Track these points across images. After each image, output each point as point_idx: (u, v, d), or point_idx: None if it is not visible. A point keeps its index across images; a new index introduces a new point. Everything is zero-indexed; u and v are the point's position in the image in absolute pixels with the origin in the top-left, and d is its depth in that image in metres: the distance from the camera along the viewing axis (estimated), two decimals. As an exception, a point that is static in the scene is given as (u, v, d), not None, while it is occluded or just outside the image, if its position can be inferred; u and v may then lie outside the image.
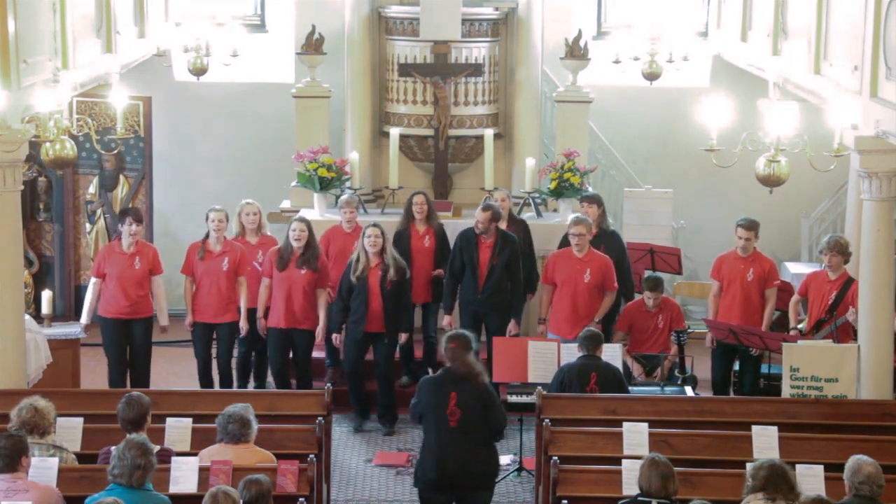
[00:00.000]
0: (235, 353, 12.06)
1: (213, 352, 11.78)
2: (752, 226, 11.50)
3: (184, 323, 11.64)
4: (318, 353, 12.13)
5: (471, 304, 11.63)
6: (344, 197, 12.53)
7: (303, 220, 11.53)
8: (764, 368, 11.66)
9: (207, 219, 11.55)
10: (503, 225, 11.99)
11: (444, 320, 11.79)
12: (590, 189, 13.45)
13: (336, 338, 11.54)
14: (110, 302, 11.27)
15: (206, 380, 11.72)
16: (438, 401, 8.37)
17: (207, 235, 11.55)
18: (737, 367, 11.84)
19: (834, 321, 10.93)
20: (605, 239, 12.03)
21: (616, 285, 11.55)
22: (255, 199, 12.27)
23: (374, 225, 11.36)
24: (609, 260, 11.54)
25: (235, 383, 11.92)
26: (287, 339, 11.46)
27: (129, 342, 11.37)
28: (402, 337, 11.53)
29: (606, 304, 11.55)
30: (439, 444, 8.38)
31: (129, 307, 11.26)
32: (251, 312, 11.59)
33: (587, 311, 11.41)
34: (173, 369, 13.07)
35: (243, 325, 11.53)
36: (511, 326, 11.65)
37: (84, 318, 11.43)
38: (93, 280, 11.40)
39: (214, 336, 11.67)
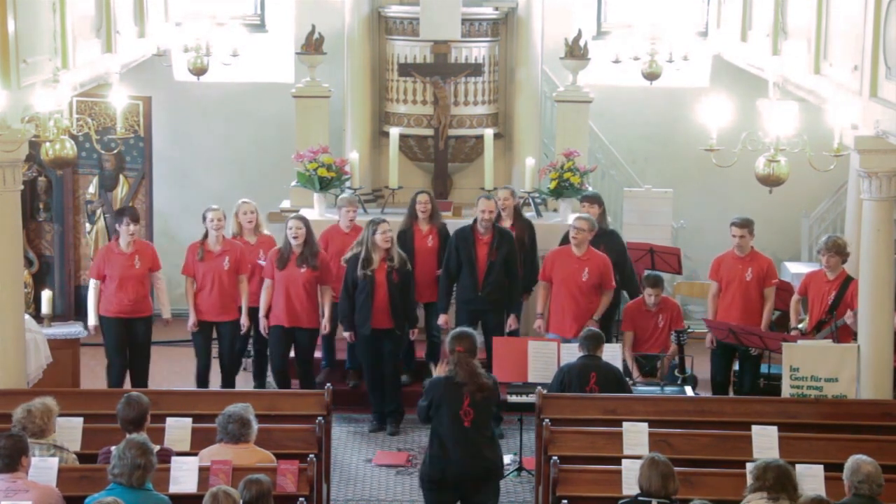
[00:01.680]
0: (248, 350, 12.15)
1: (214, 351, 11.79)
2: (745, 223, 11.50)
3: (186, 324, 11.63)
4: (316, 354, 12.14)
5: (469, 303, 11.61)
6: (344, 196, 12.53)
7: (300, 217, 11.53)
8: (764, 368, 11.66)
9: (205, 219, 11.55)
10: (507, 223, 12.00)
11: (440, 319, 11.77)
12: (590, 189, 13.46)
13: (350, 335, 11.51)
14: (111, 301, 11.28)
15: (203, 380, 11.71)
16: (452, 401, 8.36)
17: (206, 235, 11.55)
18: (736, 366, 11.84)
19: (833, 323, 10.93)
20: (605, 238, 12.03)
21: (614, 284, 11.55)
22: (255, 199, 12.27)
23: (385, 220, 11.38)
24: (607, 259, 11.54)
25: (253, 383, 11.98)
26: (288, 338, 11.46)
27: (130, 341, 11.38)
28: (414, 332, 11.55)
29: (604, 304, 11.55)
30: (453, 444, 8.36)
31: (131, 306, 11.27)
32: (252, 311, 11.60)
33: (585, 310, 11.41)
34: (173, 369, 13.08)
35: (244, 321, 11.53)
36: (511, 321, 11.63)
37: (91, 320, 11.41)
38: (92, 282, 11.38)
39: (215, 335, 11.67)
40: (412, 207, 12.05)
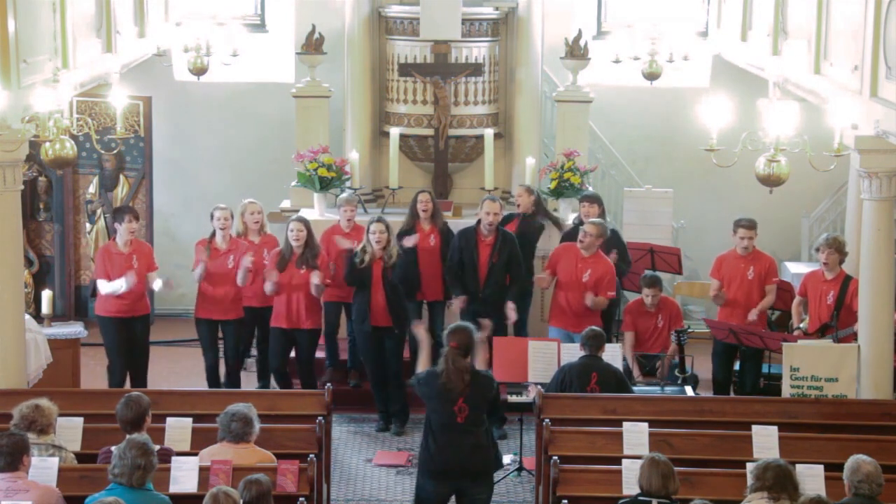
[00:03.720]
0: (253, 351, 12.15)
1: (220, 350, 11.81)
2: (753, 225, 11.52)
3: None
4: (319, 354, 12.14)
5: (471, 304, 11.62)
6: (343, 196, 12.54)
7: (301, 219, 11.54)
8: (764, 368, 11.67)
9: (213, 217, 11.55)
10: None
11: (455, 305, 11.64)
12: (590, 189, 13.47)
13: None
14: (109, 301, 11.27)
15: (213, 378, 11.73)
16: (446, 397, 8.34)
17: (213, 234, 11.56)
18: (738, 366, 11.84)
19: (836, 331, 10.92)
20: (608, 237, 12.02)
21: (612, 294, 11.48)
22: (256, 199, 12.27)
23: (378, 220, 11.39)
24: (611, 267, 11.48)
25: (257, 383, 12.00)
26: (289, 339, 11.47)
27: (129, 340, 11.38)
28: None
29: (598, 302, 11.46)
30: (446, 441, 8.34)
31: (129, 306, 11.26)
32: (253, 312, 11.62)
33: (585, 308, 11.41)
34: (174, 369, 13.08)
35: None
36: (509, 309, 11.52)
37: (116, 284, 11.18)
38: (101, 281, 11.29)
39: (220, 335, 11.68)
40: (413, 207, 12.06)
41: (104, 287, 11.23)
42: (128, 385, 11.36)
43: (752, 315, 11.41)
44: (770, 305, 11.76)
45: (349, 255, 11.39)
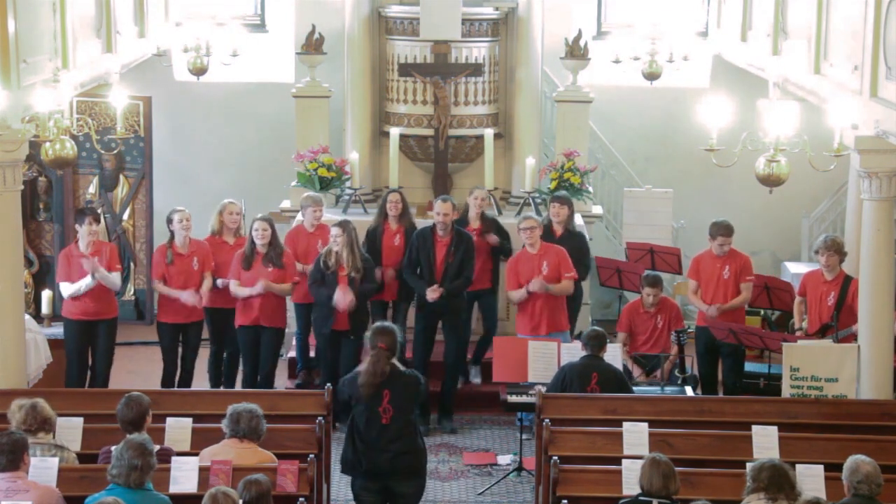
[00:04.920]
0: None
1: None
2: (731, 231, 11.55)
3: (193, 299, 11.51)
4: (291, 353, 12.20)
5: (428, 304, 11.62)
6: (308, 195, 12.44)
7: (265, 219, 11.51)
8: (764, 368, 11.66)
9: (171, 221, 11.51)
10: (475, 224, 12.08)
11: (431, 291, 11.51)
12: (590, 189, 13.47)
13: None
14: (75, 303, 11.19)
15: (169, 382, 11.66)
16: (371, 399, 8.31)
17: (172, 237, 11.52)
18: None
19: (836, 331, 10.92)
20: (571, 239, 12.05)
21: (573, 274, 11.53)
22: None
23: (338, 224, 11.43)
24: (561, 248, 11.59)
25: (209, 384, 11.91)
26: (257, 337, 11.47)
27: (91, 343, 11.31)
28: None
29: (562, 287, 11.45)
30: (371, 441, 8.31)
31: (94, 307, 11.20)
32: (222, 313, 11.61)
33: (555, 303, 11.43)
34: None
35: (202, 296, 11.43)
36: (430, 289, 11.49)
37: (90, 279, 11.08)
38: (64, 284, 11.17)
39: (181, 338, 11.64)
40: (383, 206, 12.12)
41: (66, 290, 11.17)
42: (86, 386, 11.28)
43: (712, 311, 11.40)
44: (743, 303, 11.71)
45: (315, 262, 11.43)
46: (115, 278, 11.27)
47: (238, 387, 11.73)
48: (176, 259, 11.44)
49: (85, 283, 11.07)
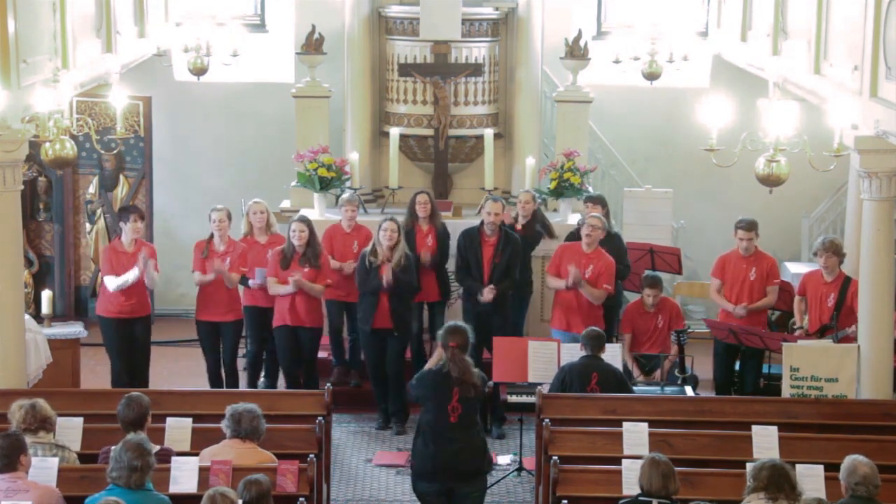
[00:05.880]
0: (243, 352, 12.09)
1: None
2: (751, 226, 11.52)
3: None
4: (323, 353, 12.15)
5: (475, 304, 11.62)
6: (345, 196, 12.56)
7: (303, 219, 11.55)
8: (764, 368, 11.66)
9: (210, 219, 11.57)
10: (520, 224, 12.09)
11: (487, 295, 11.48)
12: (590, 189, 13.47)
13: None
14: (111, 301, 11.26)
15: (216, 379, 11.74)
16: (440, 395, 8.37)
17: (212, 236, 11.57)
18: (738, 366, 11.84)
19: (835, 332, 10.92)
20: (608, 240, 12.02)
21: (610, 288, 11.50)
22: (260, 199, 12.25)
23: (391, 219, 11.46)
24: (612, 263, 11.51)
25: (246, 382, 11.94)
26: (294, 337, 11.48)
27: (129, 341, 11.37)
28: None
29: (594, 292, 11.44)
30: (439, 439, 8.37)
31: (130, 306, 11.26)
32: (255, 311, 11.64)
33: (589, 306, 11.40)
34: (174, 369, 13.08)
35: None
36: (487, 289, 11.47)
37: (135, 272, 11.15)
38: (109, 277, 11.23)
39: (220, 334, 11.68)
40: (412, 208, 12.06)
41: (112, 282, 11.20)
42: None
43: (739, 310, 11.39)
44: (769, 306, 11.76)
45: (360, 258, 11.45)
46: (156, 277, 11.44)
47: (281, 387, 11.80)
48: (210, 256, 11.49)
49: (133, 275, 11.13)
